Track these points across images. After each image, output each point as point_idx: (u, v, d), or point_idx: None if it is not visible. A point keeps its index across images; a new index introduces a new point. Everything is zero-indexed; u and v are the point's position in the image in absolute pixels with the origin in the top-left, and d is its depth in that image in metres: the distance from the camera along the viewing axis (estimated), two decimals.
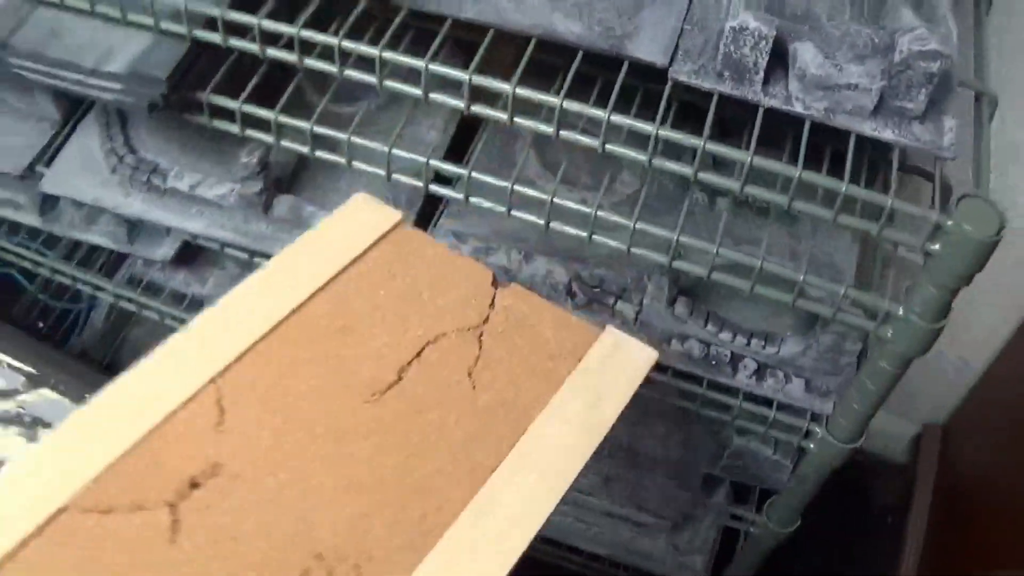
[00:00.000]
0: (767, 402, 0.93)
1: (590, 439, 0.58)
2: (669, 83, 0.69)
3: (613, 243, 0.77)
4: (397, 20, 0.74)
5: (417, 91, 0.73)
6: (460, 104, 0.73)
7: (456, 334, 0.62)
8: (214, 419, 0.55)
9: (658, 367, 0.94)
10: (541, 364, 0.62)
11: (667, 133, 0.68)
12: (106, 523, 0.50)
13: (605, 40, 0.70)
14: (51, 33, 0.85)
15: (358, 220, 0.68)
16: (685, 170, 0.70)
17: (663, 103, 0.69)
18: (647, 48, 0.69)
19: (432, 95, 0.73)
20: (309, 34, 0.74)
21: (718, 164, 0.77)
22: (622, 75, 0.70)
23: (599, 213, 0.75)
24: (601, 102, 0.70)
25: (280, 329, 0.60)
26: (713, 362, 0.91)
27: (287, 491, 0.52)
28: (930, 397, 1.58)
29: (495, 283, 0.67)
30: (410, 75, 0.73)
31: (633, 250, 0.77)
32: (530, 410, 0.59)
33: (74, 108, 0.98)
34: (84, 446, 0.52)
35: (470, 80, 0.70)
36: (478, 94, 0.72)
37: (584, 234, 0.77)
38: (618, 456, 1.09)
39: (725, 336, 0.89)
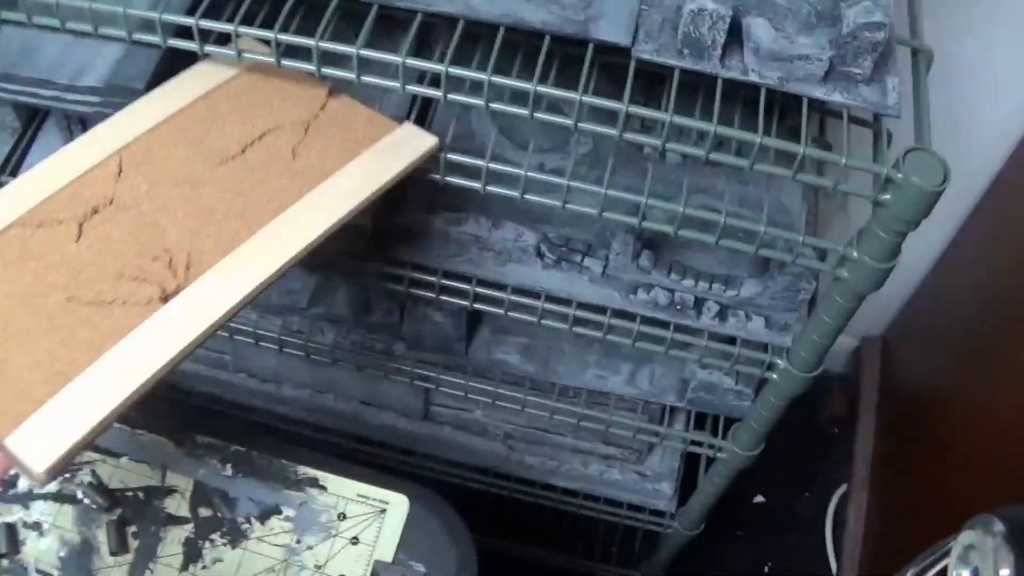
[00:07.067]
0: (731, 340, 0.99)
1: (359, 190, 0.79)
2: (633, 61, 0.73)
3: (586, 209, 0.82)
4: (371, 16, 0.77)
5: (396, 84, 0.77)
6: (437, 94, 0.77)
7: (291, 125, 0.83)
8: (115, 173, 0.79)
9: (625, 316, 1.00)
10: (347, 146, 0.82)
11: (635, 110, 0.72)
12: (38, 233, 0.75)
13: (571, 25, 0.74)
14: (21, 52, 0.86)
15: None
16: (653, 141, 0.75)
17: (629, 80, 0.74)
18: (609, 30, 0.73)
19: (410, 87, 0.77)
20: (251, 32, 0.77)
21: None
22: (588, 56, 0.74)
23: (572, 183, 0.79)
24: (564, 77, 0.74)
25: (174, 117, 0.83)
26: (678, 307, 0.97)
27: (155, 214, 0.77)
28: (868, 311, 1.66)
29: (331, 93, 0.86)
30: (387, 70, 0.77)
31: (605, 214, 0.82)
32: (328, 172, 0.81)
33: (33, 115, 0.99)
34: (30, 190, 0.77)
35: (447, 72, 0.74)
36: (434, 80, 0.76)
37: (559, 203, 0.82)
38: (587, 398, 1.16)
39: (688, 283, 0.95)
